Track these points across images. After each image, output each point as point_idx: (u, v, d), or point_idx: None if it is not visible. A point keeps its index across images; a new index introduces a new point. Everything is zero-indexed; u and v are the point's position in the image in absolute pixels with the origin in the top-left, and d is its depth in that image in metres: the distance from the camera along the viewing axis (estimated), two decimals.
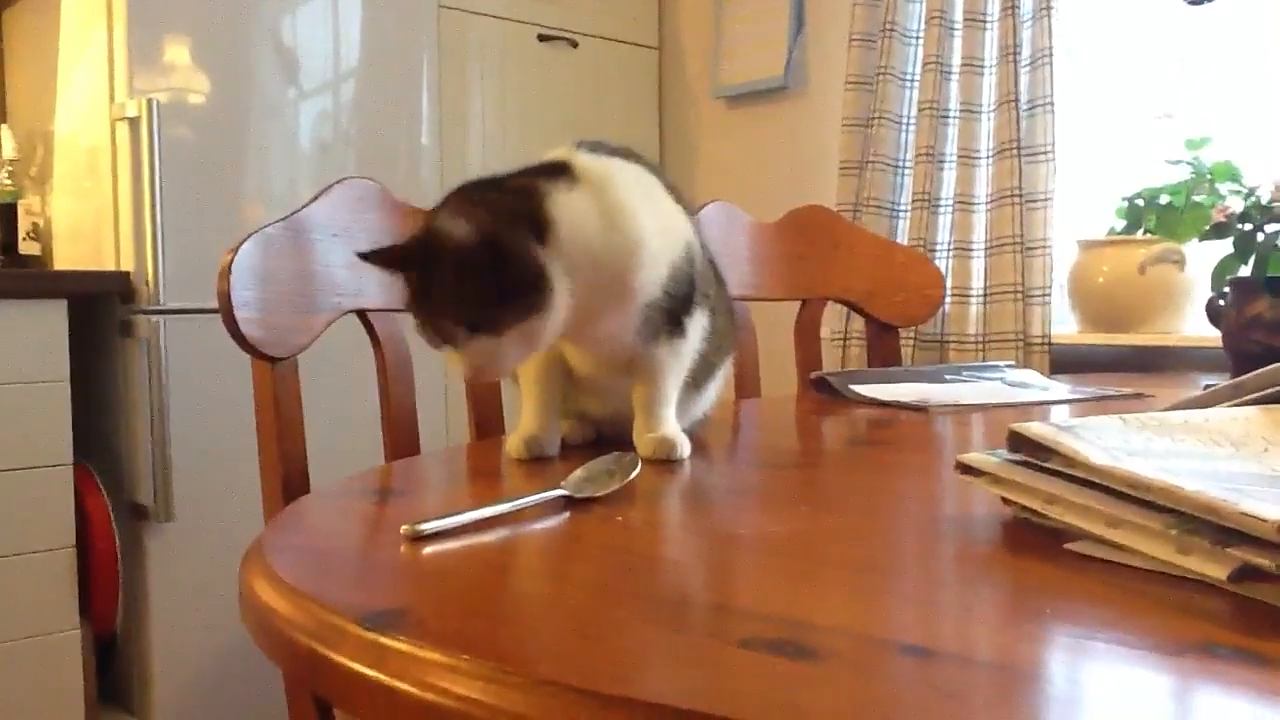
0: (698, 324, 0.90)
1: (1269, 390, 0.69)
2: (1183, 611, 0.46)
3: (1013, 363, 1.75)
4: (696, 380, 0.95)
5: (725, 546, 0.63)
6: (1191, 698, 0.39)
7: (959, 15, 2.28)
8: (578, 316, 0.80)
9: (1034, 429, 0.59)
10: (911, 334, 2.30)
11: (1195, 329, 1.99)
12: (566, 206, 0.79)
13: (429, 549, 0.58)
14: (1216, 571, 0.47)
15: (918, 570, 0.57)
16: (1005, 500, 0.61)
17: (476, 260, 0.74)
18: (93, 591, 2.04)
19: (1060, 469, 0.57)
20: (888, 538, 0.64)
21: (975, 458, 0.62)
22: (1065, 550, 0.54)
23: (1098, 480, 0.54)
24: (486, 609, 0.50)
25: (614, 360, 0.88)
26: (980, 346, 2.23)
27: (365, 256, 0.78)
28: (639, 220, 0.83)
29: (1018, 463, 0.60)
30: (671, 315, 0.86)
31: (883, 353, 1.66)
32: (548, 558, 0.61)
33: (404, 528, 0.59)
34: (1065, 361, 2.13)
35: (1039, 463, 0.58)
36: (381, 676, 0.42)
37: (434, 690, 0.40)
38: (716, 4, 2.88)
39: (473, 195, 0.79)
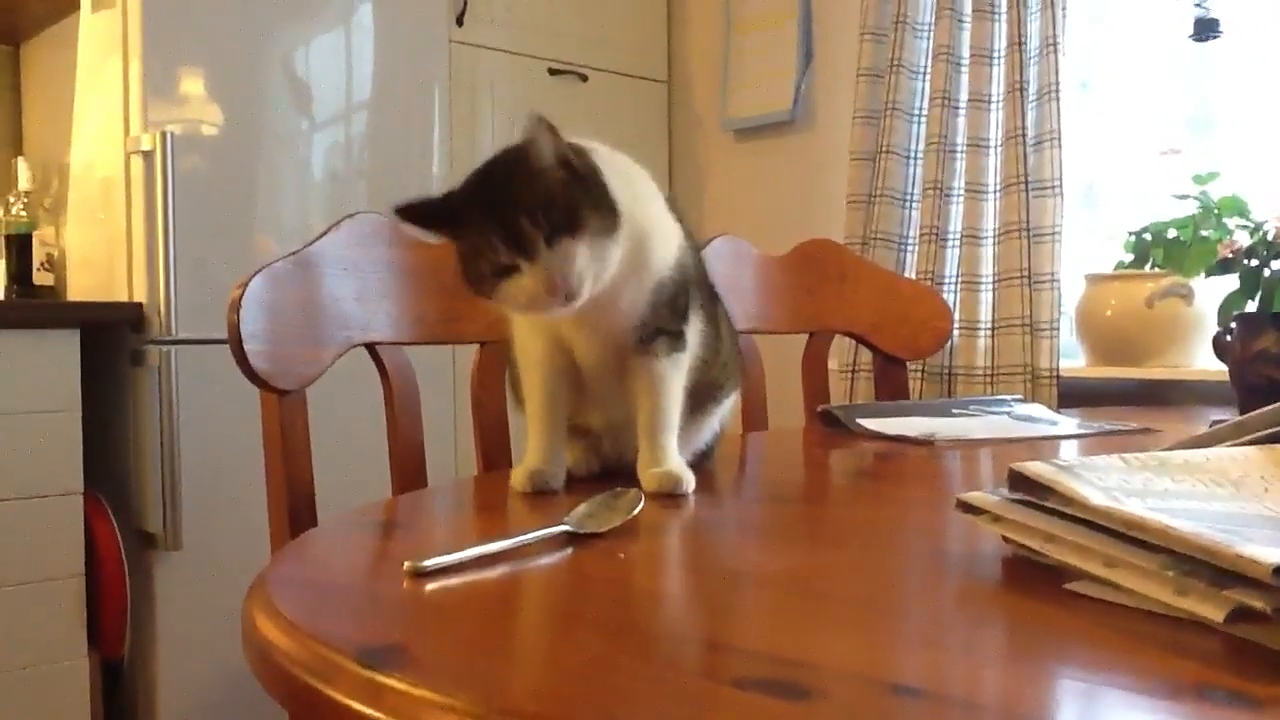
0: (694, 329, 0.92)
1: (1271, 430, 0.69)
2: (1178, 653, 0.46)
3: (1020, 396, 1.75)
4: (699, 401, 0.96)
5: (724, 583, 0.63)
6: None
7: (965, 50, 2.29)
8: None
9: (1033, 468, 0.59)
10: (919, 367, 2.30)
11: (1203, 363, 1.99)
12: (609, 165, 0.85)
13: (430, 585, 0.58)
14: (1213, 613, 0.47)
15: (917, 609, 0.57)
16: (1005, 538, 0.61)
17: (562, 170, 0.80)
18: (100, 619, 2.04)
19: (1059, 508, 0.57)
20: (888, 575, 0.64)
21: (976, 496, 0.62)
22: (1064, 589, 0.54)
23: (1096, 520, 0.54)
24: (483, 646, 0.50)
25: (617, 352, 0.89)
26: (988, 379, 2.23)
27: (403, 211, 0.86)
28: (656, 204, 0.90)
29: (1018, 501, 0.60)
30: (673, 316, 0.89)
31: (890, 385, 1.66)
32: (548, 595, 0.61)
33: (406, 564, 0.59)
34: (1073, 395, 2.12)
35: (1038, 501, 0.58)
36: (377, 714, 0.42)
37: None
38: (725, 38, 2.90)
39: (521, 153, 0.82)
